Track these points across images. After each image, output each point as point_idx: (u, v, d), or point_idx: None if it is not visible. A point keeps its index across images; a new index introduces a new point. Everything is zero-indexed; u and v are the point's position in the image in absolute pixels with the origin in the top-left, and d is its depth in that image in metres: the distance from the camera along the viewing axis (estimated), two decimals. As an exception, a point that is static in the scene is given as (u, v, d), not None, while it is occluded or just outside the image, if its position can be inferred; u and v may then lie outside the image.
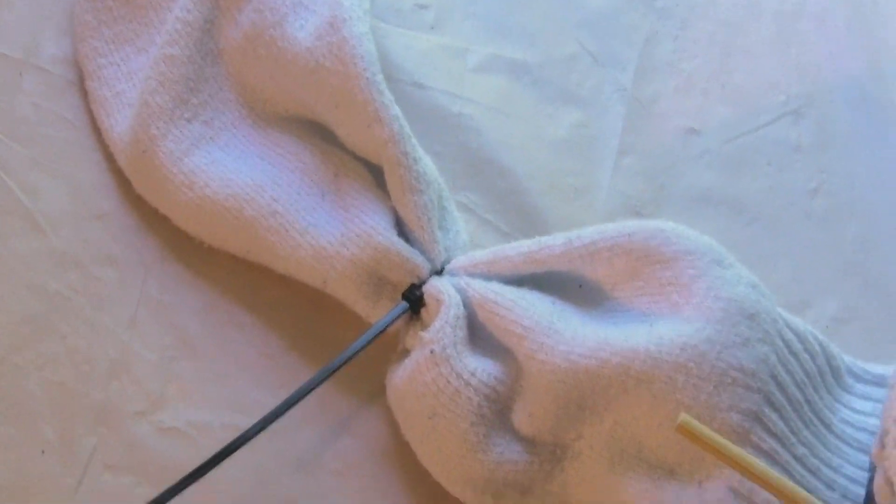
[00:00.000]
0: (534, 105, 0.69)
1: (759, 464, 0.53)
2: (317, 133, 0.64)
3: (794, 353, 0.60)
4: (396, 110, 0.59)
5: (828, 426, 0.62)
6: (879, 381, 0.64)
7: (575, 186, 0.67)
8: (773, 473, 0.53)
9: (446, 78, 0.68)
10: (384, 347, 0.61)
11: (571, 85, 0.69)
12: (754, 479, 0.53)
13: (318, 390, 0.60)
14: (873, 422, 0.62)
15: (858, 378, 0.64)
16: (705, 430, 0.52)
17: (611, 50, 0.71)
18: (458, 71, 0.69)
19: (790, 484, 0.53)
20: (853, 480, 0.61)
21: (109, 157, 0.65)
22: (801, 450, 0.60)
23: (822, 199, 0.69)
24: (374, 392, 0.61)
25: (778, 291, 0.62)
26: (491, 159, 0.67)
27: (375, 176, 0.62)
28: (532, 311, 0.58)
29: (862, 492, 0.61)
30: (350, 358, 0.58)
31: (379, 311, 0.60)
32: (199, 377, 0.61)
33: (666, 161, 0.69)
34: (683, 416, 0.52)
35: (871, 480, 0.57)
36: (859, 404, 0.63)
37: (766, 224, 0.68)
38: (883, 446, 0.54)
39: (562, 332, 0.58)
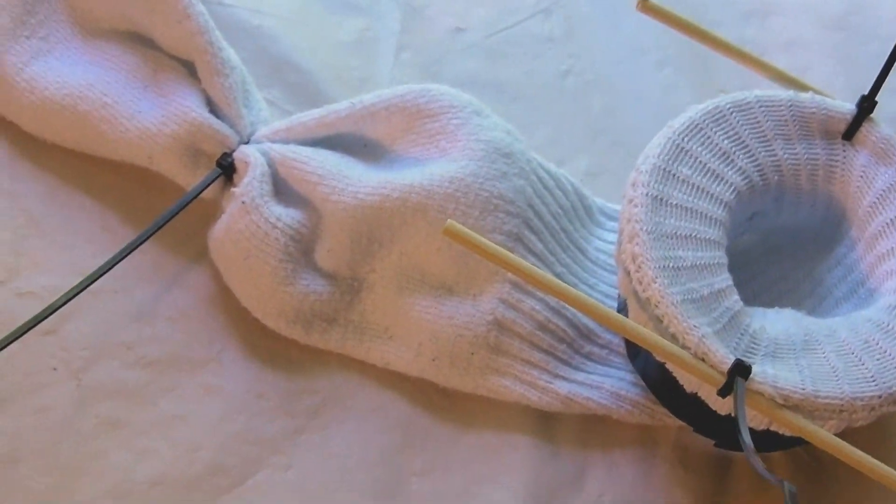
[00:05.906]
0: (322, 15, 0.82)
1: (523, 262, 0.62)
2: (138, 41, 0.75)
3: (547, 188, 0.72)
4: (202, 8, 0.71)
5: (583, 252, 0.74)
6: (626, 218, 0.75)
7: (360, 78, 0.80)
8: (536, 269, 0.62)
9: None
10: (207, 217, 0.71)
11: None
12: (520, 274, 0.62)
13: (151, 253, 0.70)
14: (622, 249, 0.73)
15: (609, 217, 0.76)
16: (469, 233, 0.62)
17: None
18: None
19: (554, 279, 0.62)
20: (607, 296, 0.73)
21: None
22: (559, 269, 0.71)
23: (572, 78, 0.83)
24: (200, 252, 0.71)
25: (537, 153, 0.74)
26: (288, 61, 0.80)
27: (189, 69, 0.73)
28: (325, 162, 0.69)
29: (615, 305, 0.72)
30: (171, 217, 0.69)
31: (197, 180, 0.70)
32: (47, 250, 0.71)
33: (437, 54, 0.82)
34: (450, 222, 0.61)
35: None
36: (611, 237, 0.75)
37: (526, 101, 0.82)
38: (619, 244, 0.66)
39: (349, 177, 0.69)
